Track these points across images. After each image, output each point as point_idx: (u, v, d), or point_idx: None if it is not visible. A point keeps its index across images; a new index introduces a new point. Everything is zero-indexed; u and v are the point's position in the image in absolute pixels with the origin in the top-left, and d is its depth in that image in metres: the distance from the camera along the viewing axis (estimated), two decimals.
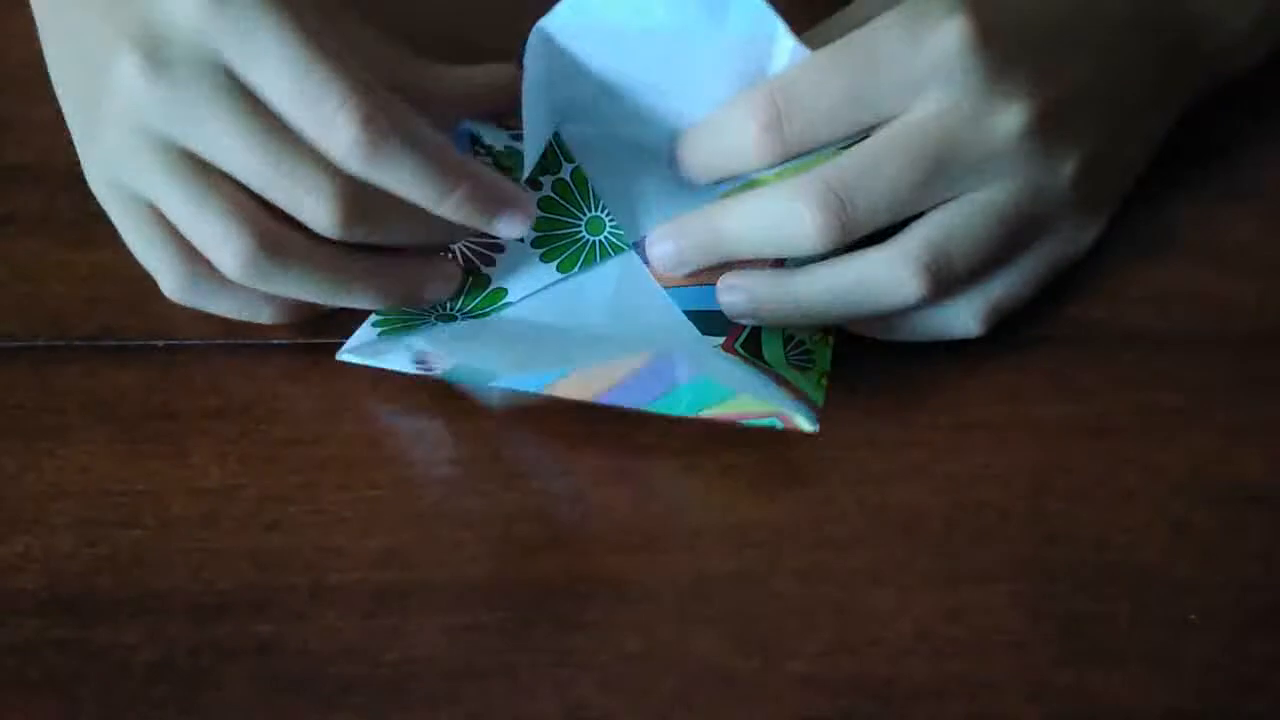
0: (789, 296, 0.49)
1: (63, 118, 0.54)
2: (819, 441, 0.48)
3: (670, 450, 0.48)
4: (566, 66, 0.51)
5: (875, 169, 0.46)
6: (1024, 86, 0.46)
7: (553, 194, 0.53)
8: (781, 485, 0.48)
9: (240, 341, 0.50)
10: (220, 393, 0.49)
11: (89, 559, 0.46)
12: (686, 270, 0.51)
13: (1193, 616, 0.45)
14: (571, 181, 0.53)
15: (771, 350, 0.50)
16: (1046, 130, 0.47)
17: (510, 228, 0.48)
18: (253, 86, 0.44)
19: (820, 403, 0.48)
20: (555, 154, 0.53)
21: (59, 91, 0.49)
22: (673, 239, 0.50)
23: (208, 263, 0.47)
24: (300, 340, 0.51)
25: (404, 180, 0.45)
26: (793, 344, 0.50)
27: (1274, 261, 0.53)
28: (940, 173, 0.46)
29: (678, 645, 0.44)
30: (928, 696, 0.43)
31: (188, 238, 0.46)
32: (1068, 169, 0.48)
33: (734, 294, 0.49)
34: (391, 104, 0.45)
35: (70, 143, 0.53)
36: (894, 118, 0.46)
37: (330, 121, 0.44)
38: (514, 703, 0.43)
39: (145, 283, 0.52)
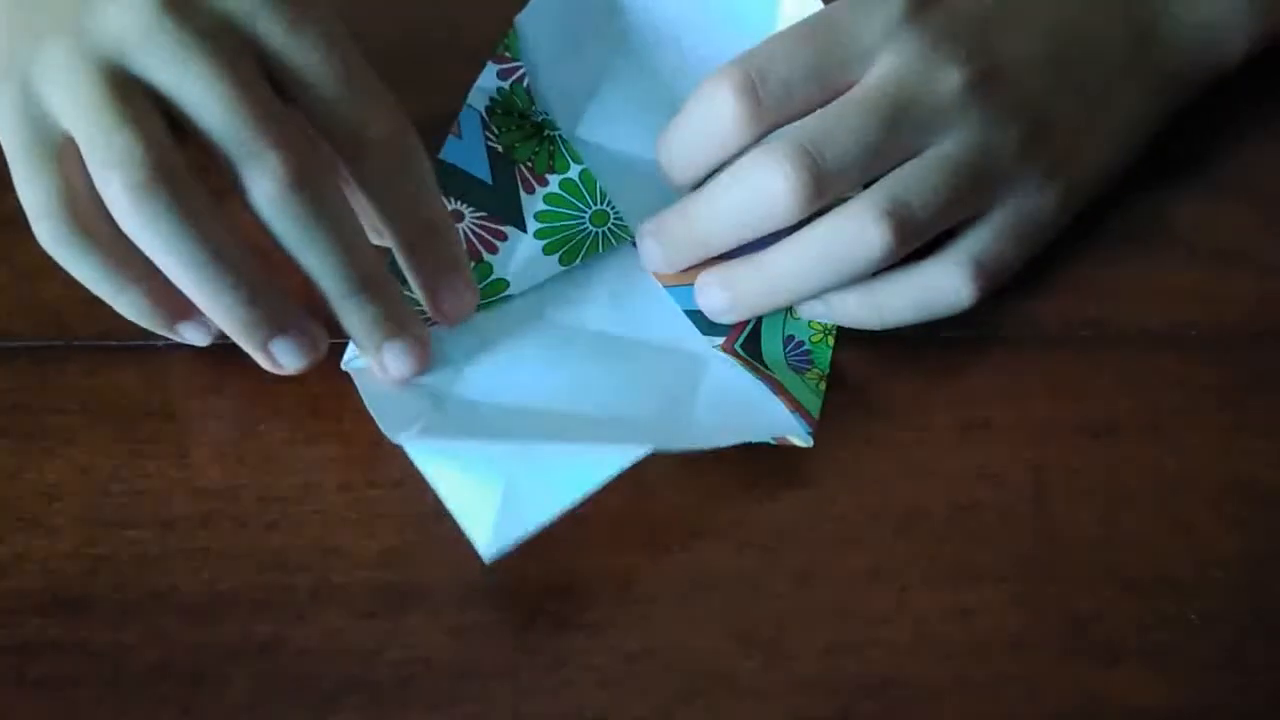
0: (762, 275, 0.49)
1: None
2: (819, 441, 0.48)
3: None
4: (569, 45, 0.51)
5: (839, 122, 0.48)
6: (963, 53, 0.49)
7: (560, 191, 0.53)
8: (781, 485, 0.48)
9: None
10: (220, 393, 0.49)
11: (89, 559, 0.46)
12: (675, 268, 0.51)
13: (1193, 616, 0.45)
14: (580, 180, 0.53)
15: (771, 349, 0.50)
16: (988, 92, 0.49)
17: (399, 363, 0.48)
18: (287, 63, 0.45)
19: (816, 410, 0.48)
20: (564, 156, 0.54)
21: None
22: (654, 237, 0.51)
23: (90, 212, 0.45)
24: None
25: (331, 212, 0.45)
26: (792, 344, 0.50)
27: (1274, 261, 0.53)
28: (897, 127, 0.48)
29: (678, 645, 0.44)
30: (928, 696, 0.43)
31: (89, 157, 0.44)
32: (1015, 130, 0.49)
33: (710, 291, 0.50)
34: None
35: None
36: (853, 84, 0.48)
37: (365, 111, 0.45)
38: (514, 703, 0.43)
39: None
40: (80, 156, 0.44)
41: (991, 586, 0.45)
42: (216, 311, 0.45)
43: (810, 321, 0.51)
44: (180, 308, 0.47)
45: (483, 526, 0.43)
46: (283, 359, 0.47)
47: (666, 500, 0.47)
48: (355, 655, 0.44)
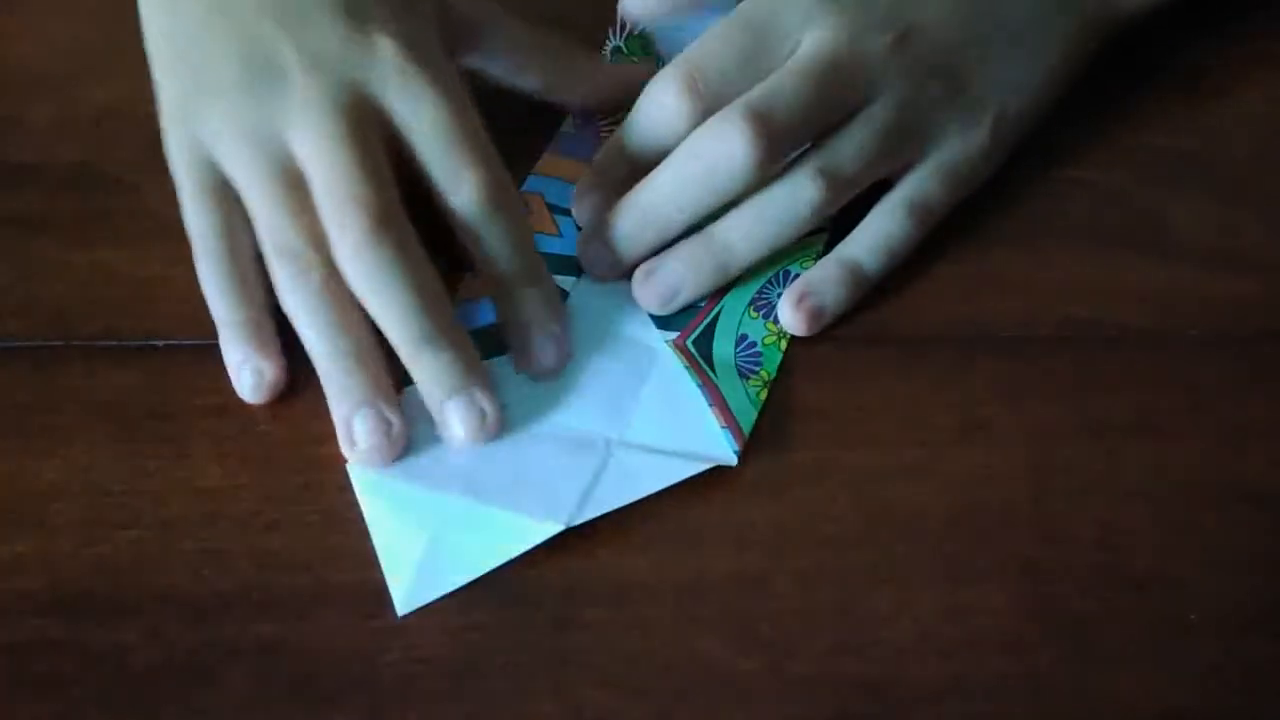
0: (711, 246, 0.51)
1: (61, 118, 0.55)
2: (819, 441, 0.48)
3: None
4: None
5: (780, 86, 0.51)
6: (879, 20, 0.52)
7: None
8: (781, 485, 0.48)
9: None
10: (220, 393, 0.49)
11: (89, 559, 0.46)
12: (628, 263, 0.51)
13: (1193, 616, 0.45)
14: None
15: (722, 349, 0.50)
16: (906, 53, 0.52)
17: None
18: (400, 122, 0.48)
19: (749, 426, 0.48)
20: None
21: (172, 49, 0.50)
22: (599, 237, 0.52)
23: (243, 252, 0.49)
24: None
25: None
26: (744, 343, 0.51)
27: (1274, 261, 0.53)
28: (829, 87, 0.51)
29: (678, 645, 0.44)
30: (928, 696, 0.43)
31: (257, 217, 0.48)
32: (935, 84, 0.53)
33: (660, 277, 0.51)
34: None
35: (71, 141, 0.53)
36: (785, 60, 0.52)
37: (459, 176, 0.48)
38: (514, 703, 0.43)
39: (145, 283, 0.52)
40: (235, 197, 0.49)
41: (991, 586, 0.45)
42: (325, 364, 0.47)
43: (767, 322, 0.51)
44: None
45: (401, 582, 0.45)
46: (360, 432, 0.47)
47: (666, 500, 0.47)
48: (355, 655, 0.44)
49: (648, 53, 0.58)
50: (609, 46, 0.59)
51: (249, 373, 0.49)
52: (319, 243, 0.47)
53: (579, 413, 0.49)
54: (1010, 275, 0.53)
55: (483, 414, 0.47)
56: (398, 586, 0.45)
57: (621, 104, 0.53)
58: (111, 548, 0.46)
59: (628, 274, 0.52)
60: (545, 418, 0.49)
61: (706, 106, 0.50)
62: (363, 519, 0.46)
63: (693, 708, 0.43)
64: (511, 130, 0.55)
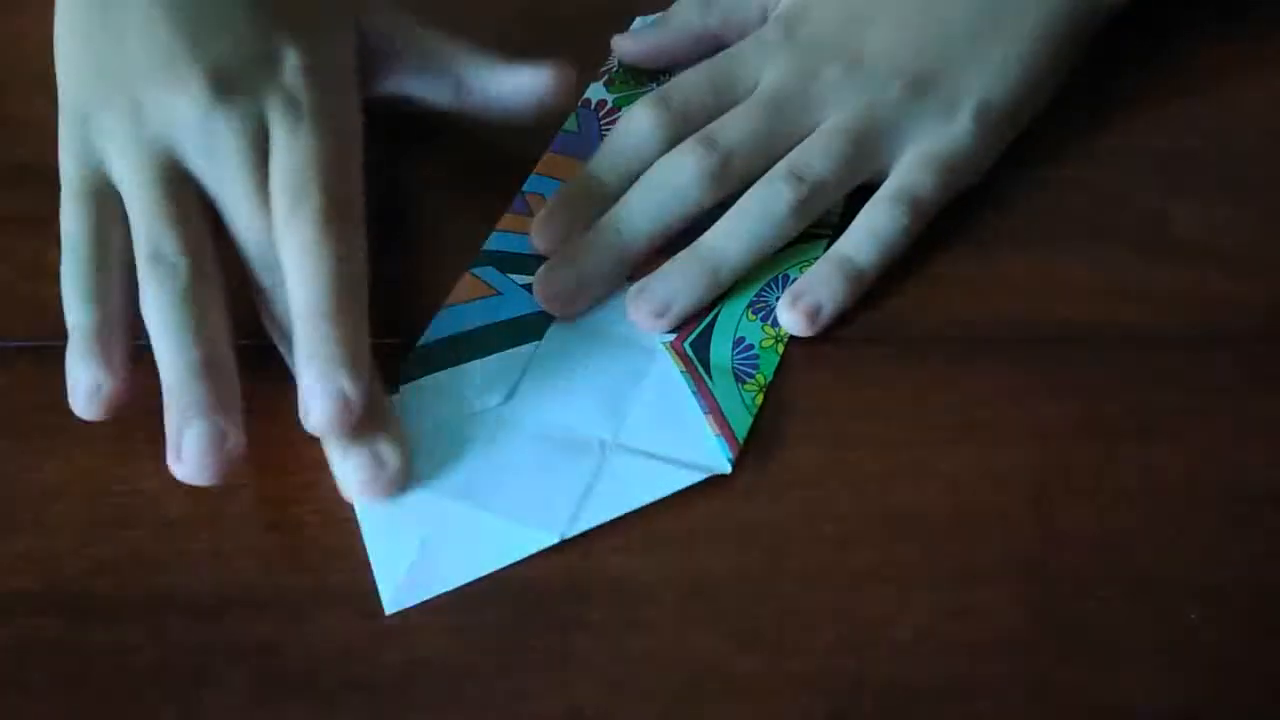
0: (698, 256, 0.52)
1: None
2: (819, 441, 0.48)
3: None
4: None
5: (731, 119, 0.54)
6: (831, 51, 0.55)
7: None
8: (781, 485, 0.48)
9: (239, 342, 0.50)
10: None
11: (89, 559, 0.46)
12: (587, 288, 0.52)
13: (1193, 616, 0.45)
14: None
15: (719, 352, 0.50)
16: (860, 71, 0.55)
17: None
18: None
19: (743, 433, 0.48)
20: None
21: (71, 64, 0.51)
22: (561, 266, 0.52)
23: (109, 258, 0.48)
24: None
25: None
26: (741, 346, 0.51)
27: (1274, 261, 0.53)
28: (779, 115, 0.54)
29: (678, 645, 0.44)
30: (928, 696, 0.43)
31: (137, 243, 0.48)
32: (893, 89, 0.54)
33: (651, 291, 0.51)
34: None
35: None
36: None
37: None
38: (514, 703, 0.43)
39: None
40: (120, 204, 0.49)
41: (991, 586, 0.45)
42: (170, 374, 0.46)
43: (764, 325, 0.51)
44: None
45: (391, 581, 0.45)
46: (188, 445, 0.45)
47: (667, 500, 0.47)
48: (355, 655, 0.44)
49: (639, 82, 0.59)
50: (607, 67, 0.59)
51: (85, 383, 0.46)
52: (195, 250, 0.47)
53: (576, 412, 0.49)
54: (1010, 275, 0.53)
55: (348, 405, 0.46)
56: (387, 585, 0.45)
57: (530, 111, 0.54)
58: (111, 548, 0.46)
59: (584, 308, 0.52)
60: (541, 417, 0.49)
61: (676, 134, 0.53)
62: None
63: (693, 708, 0.43)
64: (512, 130, 0.55)
